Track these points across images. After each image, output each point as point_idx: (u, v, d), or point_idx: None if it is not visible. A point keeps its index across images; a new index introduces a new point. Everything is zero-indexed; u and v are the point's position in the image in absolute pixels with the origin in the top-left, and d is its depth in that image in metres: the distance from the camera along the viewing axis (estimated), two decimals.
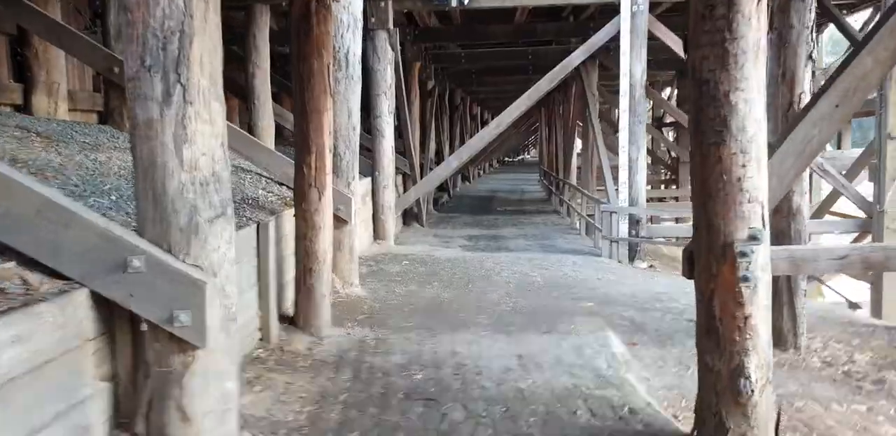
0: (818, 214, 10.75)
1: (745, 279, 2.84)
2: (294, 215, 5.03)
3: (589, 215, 13.50)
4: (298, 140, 4.93)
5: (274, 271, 4.95)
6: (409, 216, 13.77)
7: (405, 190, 12.44)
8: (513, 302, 6.48)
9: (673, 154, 24.00)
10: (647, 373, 4.55)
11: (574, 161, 17.13)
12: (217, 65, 2.78)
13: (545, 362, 4.66)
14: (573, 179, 17.10)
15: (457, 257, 9.25)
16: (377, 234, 10.16)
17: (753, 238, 2.83)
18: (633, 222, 10.13)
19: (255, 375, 4.49)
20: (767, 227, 2.86)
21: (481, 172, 34.35)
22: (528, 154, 63.72)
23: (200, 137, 2.67)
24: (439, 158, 17.19)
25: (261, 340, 5.04)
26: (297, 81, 4.90)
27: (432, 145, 16.13)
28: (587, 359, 4.72)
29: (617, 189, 10.16)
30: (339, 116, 6.30)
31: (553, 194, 19.94)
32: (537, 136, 48.78)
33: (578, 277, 7.86)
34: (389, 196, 10.13)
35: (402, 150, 12.53)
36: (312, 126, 4.86)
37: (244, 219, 4.97)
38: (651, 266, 10.48)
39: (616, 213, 10.00)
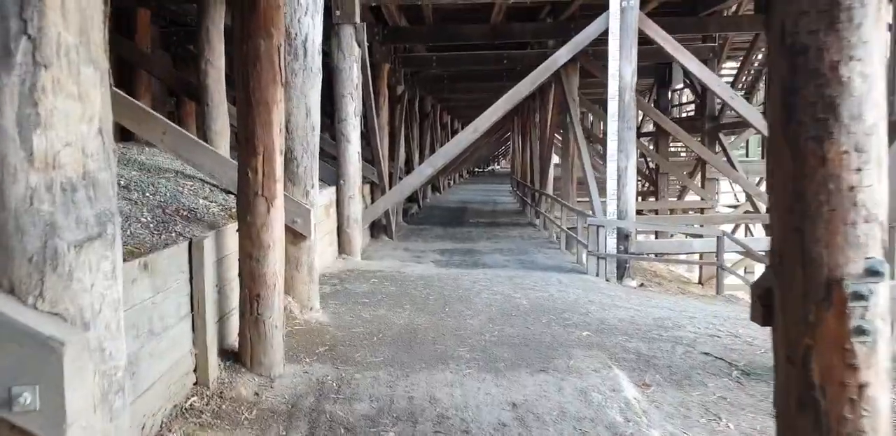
0: None
1: (861, 332, 1.98)
2: (238, 231, 4.10)
3: (570, 229, 12.72)
4: (242, 139, 4.01)
5: (213, 299, 4.01)
6: (378, 229, 12.84)
7: (373, 200, 11.52)
8: (497, 330, 5.60)
9: (651, 164, 23.51)
10: (672, 427, 3.69)
11: (551, 171, 16.37)
12: (97, 15, 1.87)
13: (546, 413, 3.77)
14: (550, 190, 16.34)
15: (430, 275, 8.34)
16: (342, 248, 9.21)
17: (872, 273, 1.98)
18: (622, 237, 9.35)
19: (184, 434, 3.55)
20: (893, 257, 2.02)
21: (451, 183, 33.53)
22: (499, 165, 63.12)
23: (62, 119, 1.76)
24: (409, 167, 16.32)
25: (196, 384, 4.08)
26: (240, 67, 3.98)
27: (402, 154, 15.24)
28: (597, 408, 3.85)
29: (604, 201, 9.36)
30: (296, 114, 5.39)
31: (528, 206, 19.16)
32: (508, 146, 48.22)
33: (567, 299, 7.01)
34: (356, 207, 9.21)
35: (369, 157, 11.64)
36: (259, 121, 3.94)
37: (174, 235, 4.02)
38: (642, 285, 9.69)
39: (603, 227, 9.21)
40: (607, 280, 9.11)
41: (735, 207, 20.82)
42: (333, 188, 9.09)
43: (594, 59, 12.80)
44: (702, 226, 12.59)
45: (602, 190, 9.95)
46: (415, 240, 13.31)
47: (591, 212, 10.28)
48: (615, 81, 9.25)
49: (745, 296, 13.97)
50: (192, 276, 3.67)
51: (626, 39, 9.23)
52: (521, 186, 21.65)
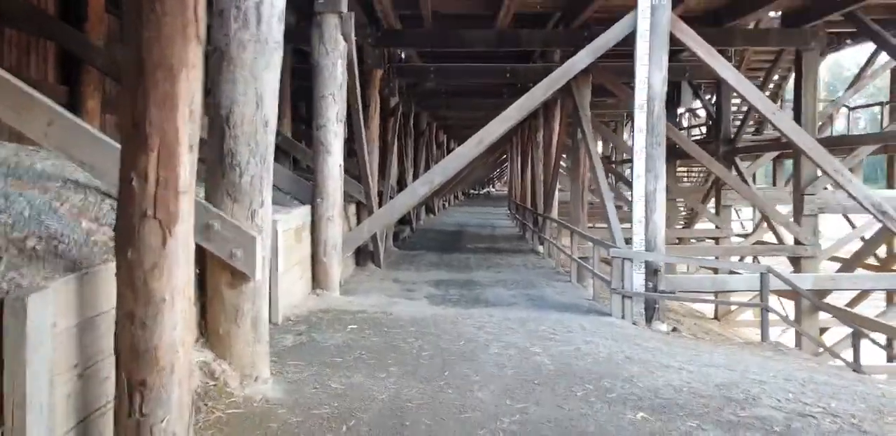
0: None
1: None
2: (116, 275, 2.53)
3: (581, 258, 11.20)
4: (126, 126, 2.47)
5: (45, 400, 2.41)
6: (364, 255, 11.27)
7: (359, 222, 10.00)
8: (518, 410, 4.01)
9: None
10: None
11: (556, 194, 14.88)
12: None
13: None
14: (555, 215, 14.84)
15: (424, 317, 6.77)
16: (317, 281, 7.64)
17: None
18: (651, 272, 7.83)
19: None
20: None
21: (447, 205, 32.06)
22: (494, 187, 61.74)
23: None
24: (402, 186, 14.77)
25: None
26: (127, 7, 2.47)
27: (394, 171, 13.73)
28: None
29: (631, 231, 7.84)
30: (241, 103, 3.86)
31: (529, 231, 17.65)
32: (504, 168, 46.75)
33: (599, 355, 5.44)
34: (334, 231, 7.65)
35: (356, 173, 10.13)
36: (155, 97, 2.41)
37: None
38: (675, 330, 8.16)
39: (630, 260, 7.68)
40: (635, 323, 7.57)
41: (745, 236, 19.39)
42: (307, 208, 7.54)
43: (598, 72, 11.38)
44: (742, 259, 11.09)
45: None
46: (406, 268, 11.74)
47: (608, 240, 8.78)
48: (643, 90, 7.81)
49: (787, 339, 12.39)
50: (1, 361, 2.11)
51: (657, 41, 7.81)
52: (521, 209, 20.16)
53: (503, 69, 14.23)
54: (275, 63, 3.97)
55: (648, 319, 7.85)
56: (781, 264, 22.56)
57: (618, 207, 23.22)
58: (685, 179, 23.39)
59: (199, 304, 3.96)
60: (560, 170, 14.63)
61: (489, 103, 18.76)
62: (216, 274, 3.90)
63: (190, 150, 2.53)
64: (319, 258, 7.54)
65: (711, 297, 9.74)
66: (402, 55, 15.49)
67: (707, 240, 19.11)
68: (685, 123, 22.55)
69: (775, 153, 16.31)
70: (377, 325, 6.25)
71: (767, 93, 17.38)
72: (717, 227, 15.74)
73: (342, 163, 7.63)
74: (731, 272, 9.82)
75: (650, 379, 4.76)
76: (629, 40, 8.04)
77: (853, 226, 16.09)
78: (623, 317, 7.63)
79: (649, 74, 7.73)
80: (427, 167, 20.31)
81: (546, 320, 7.01)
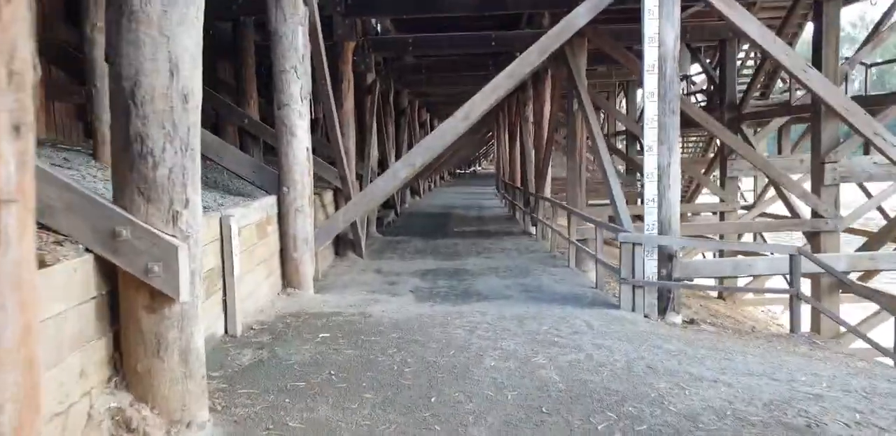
0: None
1: None
2: None
3: (580, 241, 10.36)
4: None
5: None
6: (344, 244, 10.39)
7: (338, 209, 9.09)
8: None
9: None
10: None
11: (549, 171, 13.96)
12: None
13: None
14: (548, 194, 13.97)
15: (408, 319, 5.90)
16: (287, 280, 6.75)
17: None
18: (665, 258, 6.98)
19: None
20: None
21: (432, 186, 31.14)
22: (480, 166, 60.75)
23: None
24: (383, 168, 13.79)
25: None
26: None
27: (374, 153, 12.77)
28: None
29: (642, 210, 6.98)
30: (151, 72, 2.92)
31: (519, 211, 16.79)
32: (491, 145, 45.70)
33: (616, 366, 4.59)
34: (305, 223, 6.73)
35: (331, 156, 9.19)
36: None
37: None
38: (692, 322, 7.34)
39: (640, 245, 6.82)
40: (647, 317, 6.75)
41: (747, 208, 18.53)
42: (274, 198, 6.62)
43: (593, 36, 10.44)
44: (741, 236, 10.22)
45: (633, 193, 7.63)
46: (390, 257, 10.87)
47: (612, 222, 7.93)
48: (653, 49, 6.87)
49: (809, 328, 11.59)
50: None
51: None
52: (510, 188, 19.28)
53: (488, 37, 13.18)
54: (192, 17, 3.02)
55: (662, 311, 7.02)
56: (793, 238, 21.64)
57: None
58: (682, 150, 22.40)
59: (112, 334, 3.07)
60: (553, 145, 13.70)
61: (474, 78, 17.69)
62: (130, 296, 3.00)
63: (13, 133, 1.62)
64: (289, 254, 6.64)
65: (732, 284, 8.93)
66: (378, 28, 14.46)
67: (703, 214, 18.32)
68: (683, 91, 21.49)
69: (784, 119, 15.38)
70: (353, 332, 5.38)
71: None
72: (721, 200, 14.88)
73: (310, 146, 6.68)
74: (748, 254, 8.97)
75: (683, 399, 3.91)
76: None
77: (868, 195, 15.24)
78: (633, 309, 6.81)
79: (660, 30, 6.80)
80: (410, 148, 19.34)
81: (547, 317, 6.17)
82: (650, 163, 6.92)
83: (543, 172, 13.61)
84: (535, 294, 7.60)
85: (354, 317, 5.94)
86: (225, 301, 4.78)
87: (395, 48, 13.54)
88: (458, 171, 47.88)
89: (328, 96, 7.59)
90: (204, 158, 7.93)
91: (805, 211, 11.67)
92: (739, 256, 7.81)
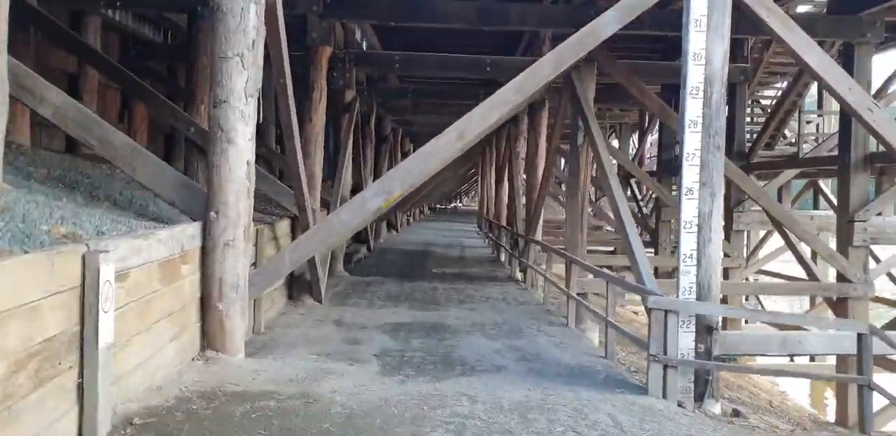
0: None
1: None
2: None
3: (580, 294, 8.77)
4: None
5: None
6: (300, 286, 8.72)
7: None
8: None
9: (645, 209, 19.74)
10: None
11: (541, 210, 12.43)
12: None
13: None
14: (538, 236, 12.43)
15: (367, 411, 4.22)
16: (209, 339, 5.04)
17: None
18: (704, 330, 5.41)
19: None
20: None
21: (411, 220, 29.54)
22: (461, 202, 59.31)
23: None
24: None
25: None
26: None
27: (347, 178, 11.18)
28: None
29: (676, 270, 5.41)
30: None
31: (504, 252, 15.23)
32: (474, 182, 44.18)
33: None
34: (236, 262, 5.04)
35: (288, 176, 7.56)
36: None
37: None
38: (736, 414, 5.73)
39: (675, 313, 5.23)
40: (681, 405, 5.15)
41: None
42: (198, 227, 4.95)
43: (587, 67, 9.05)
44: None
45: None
46: (356, 303, 9.20)
47: (624, 276, 6.37)
48: (698, 68, 5.43)
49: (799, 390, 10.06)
50: None
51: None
52: (496, 228, 17.74)
53: (482, 62, 11.77)
54: None
55: (698, 397, 5.42)
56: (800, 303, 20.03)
57: (601, 229, 20.79)
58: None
59: None
60: (548, 184, 12.19)
61: (463, 108, 16.27)
62: None
63: None
64: (212, 304, 4.95)
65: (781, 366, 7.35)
66: (364, 45, 13.04)
67: None
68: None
69: (794, 172, 14.13)
70: (286, 433, 3.68)
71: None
72: (725, 255, 13.46)
73: (252, 158, 5.05)
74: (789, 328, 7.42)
75: None
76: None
77: (877, 260, 13.92)
78: (664, 395, 5.19)
79: (707, 45, 5.36)
80: None
81: (558, 408, 4.55)
82: (688, 209, 5.39)
83: (536, 213, 12.08)
84: (534, 365, 5.99)
85: (292, 402, 4.25)
86: (81, 386, 3.08)
87: (379, 64, 12.08)
88: (439, 206, 46.40)
89: (287, 102, 6.00)
90: (113, 167, 6.37)
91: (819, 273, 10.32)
92: (789, 332, 6.21)
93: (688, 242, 5.39)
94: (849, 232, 9.37)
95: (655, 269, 15.80)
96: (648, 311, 5.31)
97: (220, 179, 4.88)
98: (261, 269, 5.57)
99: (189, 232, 4.70)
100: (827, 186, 14.46)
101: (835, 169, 11.63)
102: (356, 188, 13.47)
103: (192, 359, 4.86)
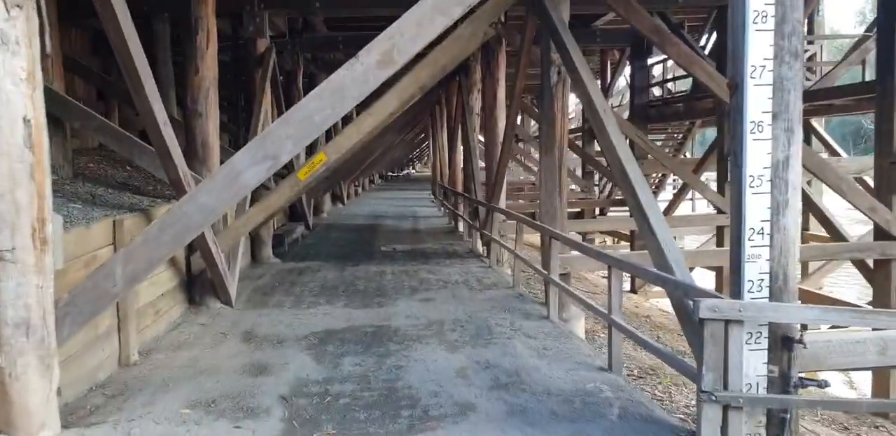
0: None
1: None
2: None
3: (562, 275, 6.87)
4: None
5: None
6: (202, 285, 6.64)
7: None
8: None
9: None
10: None
11: (504, 173, 10.42)
12: None
13: None
14: (502, 203, 10.46)
15: None
16: None
17: None
18: (776, 344, 3.50)
19: None
20: None
21: (360, 190, 27.34)
22: (414, 169, 56.98)
23: None
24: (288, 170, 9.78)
25: None
26: None
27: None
28: None
29: (746, 255, 3.47)
30: None
31: (461, 221, 13.28)
32: (426, 147, 41.63)
33: None
34: (22, 286, 2.95)
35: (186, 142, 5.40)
36: None
37: None
38: None
39: (738, 323, 3.31)
40: None
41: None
42: None
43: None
44: None
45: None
46: (279, 302, 7.18)
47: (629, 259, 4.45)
48: None
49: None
50: None
51: None
52: (451, 194, 15.71)
53: None
54: None
55: None
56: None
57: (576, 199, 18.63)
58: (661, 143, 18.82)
59: None
60: (512, 140, 10.14)
61: (409, 61, 14.06)
62: None
63: None
64: None
65: None
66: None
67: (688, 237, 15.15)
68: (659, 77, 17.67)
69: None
70: None
71: None
72: (718, 211, 11.72)
73: (36, 114, 2.89)
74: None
75: None
76: None
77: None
78: None
79: None
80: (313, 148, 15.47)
81: None
82: (756, 154, 3.43)
83: (499, 177, 10.09)
84: (515, 397, 4.14)
85: None
86: None
87: (296, 3, 9.74)
88: (391, 173, 44.09)
89: (118, 30, 3.81)
90: None
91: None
92: (881, 332, 4.24)
93: (756, 209, 3.44)
94: (891, 176, 7.60)
95: (631, 233, 13.95)
96: (701, 321, 3.36)
97: None
98: (76, 293, 3.44)
99: None
100: (820, 125, 12.73)
101: (845, 105, 9.92)
102: None
103: None
